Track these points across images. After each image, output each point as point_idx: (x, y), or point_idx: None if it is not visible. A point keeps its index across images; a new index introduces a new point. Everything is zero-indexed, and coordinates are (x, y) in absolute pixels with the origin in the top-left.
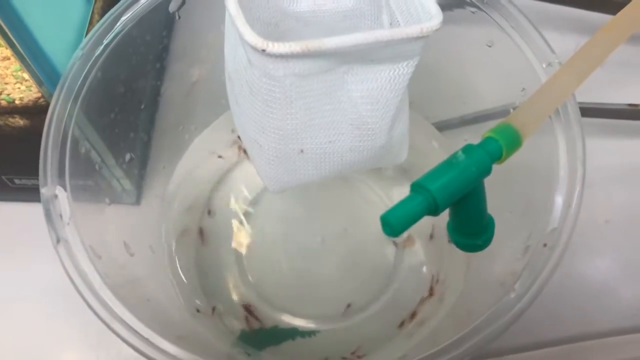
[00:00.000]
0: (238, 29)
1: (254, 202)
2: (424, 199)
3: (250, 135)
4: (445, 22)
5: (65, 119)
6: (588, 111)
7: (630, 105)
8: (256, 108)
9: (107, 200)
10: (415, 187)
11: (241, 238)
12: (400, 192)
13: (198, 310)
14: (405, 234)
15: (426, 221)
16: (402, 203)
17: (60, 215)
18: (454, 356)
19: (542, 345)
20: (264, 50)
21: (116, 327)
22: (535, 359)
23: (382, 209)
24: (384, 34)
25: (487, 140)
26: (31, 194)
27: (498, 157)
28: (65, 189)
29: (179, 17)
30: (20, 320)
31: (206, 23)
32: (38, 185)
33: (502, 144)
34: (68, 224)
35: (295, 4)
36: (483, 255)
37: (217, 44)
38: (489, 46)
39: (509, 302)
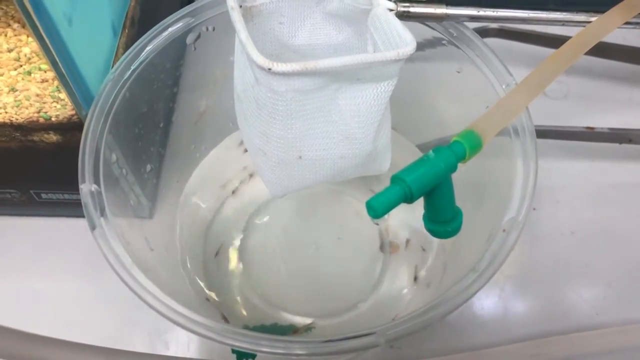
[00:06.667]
0: (248, 52)
1: (256, 215)
2: (401, 188)
3: (256, 145)
4: (423, 59)
5: (99, 130)
6: (551, 133)
7: (587, 127)
8: (262, 120)
9: (126, 210)
10: (394, 179)
11: (245, 246)
12: None
13: (207, 300)
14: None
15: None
16: (384, 191)
17: (95, 207)
18: (417, 322)
19: (509, 342)
20: (269, 69)
21: (145, 296)
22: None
23: (370, 221)
24: (367, 56)
25: (453, 143)
26: (55, 208)
27: (462, 157)
28: (99, 187)
29: (195, 49)
30: (42, 325)
31: (215, 57)
32: (62, 200)
33: (465, 146)
34: (101, 215)
35: (293, 38)
36: (457, 249)
37: (223, 77)
38: (458, 72)
39: (470, 278)
